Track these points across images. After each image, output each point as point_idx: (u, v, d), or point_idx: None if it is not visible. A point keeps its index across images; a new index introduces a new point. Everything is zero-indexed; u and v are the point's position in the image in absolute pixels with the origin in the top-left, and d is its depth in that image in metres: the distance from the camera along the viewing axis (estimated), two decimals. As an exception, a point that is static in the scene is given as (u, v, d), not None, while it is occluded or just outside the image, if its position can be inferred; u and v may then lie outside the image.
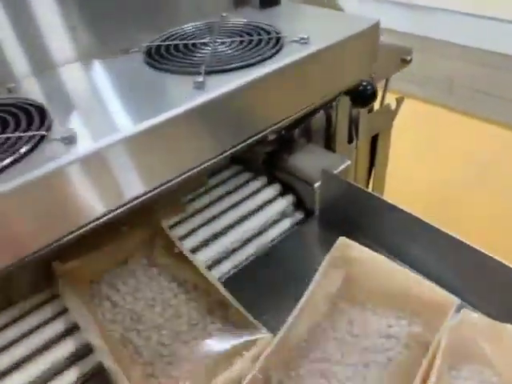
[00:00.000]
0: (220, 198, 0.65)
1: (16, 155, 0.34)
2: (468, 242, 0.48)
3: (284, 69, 0.42)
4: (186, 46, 0.50)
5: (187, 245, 0.58)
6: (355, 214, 0.59)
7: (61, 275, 0.49)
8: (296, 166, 0.65)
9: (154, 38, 0.53)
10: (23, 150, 0.34)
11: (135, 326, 0.46)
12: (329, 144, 0.73)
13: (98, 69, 0.48)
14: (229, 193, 0.66)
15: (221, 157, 0.43)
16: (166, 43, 0.49)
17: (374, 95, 0.61)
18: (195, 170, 0.42)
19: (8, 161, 0.34)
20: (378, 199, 0.54)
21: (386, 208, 0.53)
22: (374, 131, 0.84)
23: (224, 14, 0.55)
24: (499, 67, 1.83)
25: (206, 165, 0.43)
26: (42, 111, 0.39)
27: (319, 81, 0.45)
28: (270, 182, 0.67)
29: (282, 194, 0.66)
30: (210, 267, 0.56)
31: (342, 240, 0.47)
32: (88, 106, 0.41)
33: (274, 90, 0.42)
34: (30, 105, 0.41)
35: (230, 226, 0.61)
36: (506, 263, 0.45)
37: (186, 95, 0.39)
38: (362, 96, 0.61)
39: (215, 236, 0.60)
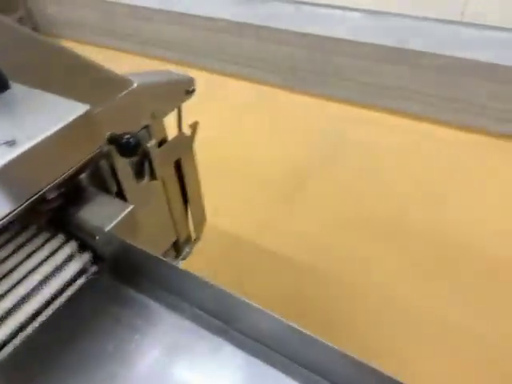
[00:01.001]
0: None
1: None
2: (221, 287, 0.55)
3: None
4: None
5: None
6: (135, 264, 0.64)
7: None
8: (79, 218, 0.67)
9: None
10: None
11: None
12: (120, 188, 0.76)
13: None
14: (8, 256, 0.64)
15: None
16: None
17: (136, 147, 0.64)
18: None
19: None
20: (142, 252, 0.59)
21: (153, 260, 0.59)
22: (173, 159, 0.89)
23: None
24: (332, 51, 2.00)
25: None
26: None
27: (32, 177, 0.47)
28: (54, 235, 0.68)
29: (66, 242, 0.67)
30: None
31: None
32: None
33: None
34: None
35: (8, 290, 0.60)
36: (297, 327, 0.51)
37: None
38: (125, 149, 0.64)
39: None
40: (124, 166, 0.72)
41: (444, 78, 1.79)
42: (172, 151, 0.86)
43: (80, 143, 0.49)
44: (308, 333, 0.50)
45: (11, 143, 0.44)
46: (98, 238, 0.64)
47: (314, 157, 1.75)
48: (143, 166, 0.79)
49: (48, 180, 0.49)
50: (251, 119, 1.97)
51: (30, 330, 0.60)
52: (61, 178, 0.50)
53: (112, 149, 0.67)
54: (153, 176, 0.81)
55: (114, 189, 0.76)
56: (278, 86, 2.15)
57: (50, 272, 0.65)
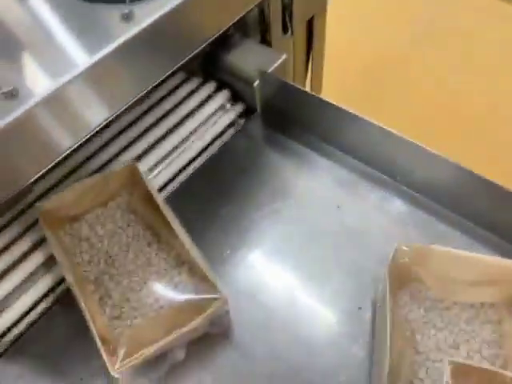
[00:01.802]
0: (156, 104, 0.65)
1: None
2: (397, 133, 0.53)
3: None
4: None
5: (127, 157, 0.60)
6: (294, 110, 0.63)
7: (42, 214, 0.50)
8: (234, 64, 0.66)
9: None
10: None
11: (109, 269, 0.49)
12: (264, 37, 0.74)
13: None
14: (164, 97, 0.66)
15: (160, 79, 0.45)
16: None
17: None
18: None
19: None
20: (309, 95, 0.58)
21: (318, 103, 0.58)
22: (308, 15, 0.84)
23: None
24: None
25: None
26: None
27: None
28: (205, 82, 0.68)
29: (218, 90, 0.68)
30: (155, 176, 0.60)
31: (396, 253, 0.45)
32: (22, 49, 0.39)
33: (201, 8, 0.42)
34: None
35: (169, 131, 0.63)
36: (439, 153, 0.51)
37: (114, 29, 0.39)
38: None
39: (156, 143, 0.62)
40: (276, 14, 0.69)
41: None
42: (309, 5, 0.81)
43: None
44: (486, 177, 0.49)
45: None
46: (257, 82, 0.63)
47: (414, 42, 1.62)
48: (285, 19, 0.75)
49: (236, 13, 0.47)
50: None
51: (184, 176, 0.63)
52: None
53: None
54: (291, 31, 0.78)
55: (258, 38, 0.74)
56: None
57: (204, 120, 0.66)
